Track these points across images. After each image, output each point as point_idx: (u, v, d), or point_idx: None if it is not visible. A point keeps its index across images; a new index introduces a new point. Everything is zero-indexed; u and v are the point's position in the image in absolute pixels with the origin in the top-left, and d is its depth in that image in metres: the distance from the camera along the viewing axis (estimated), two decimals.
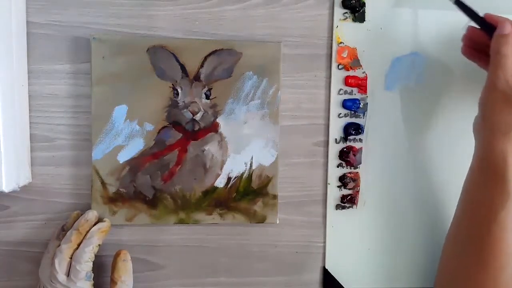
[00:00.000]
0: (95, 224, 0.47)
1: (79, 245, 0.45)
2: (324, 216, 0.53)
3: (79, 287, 0.43)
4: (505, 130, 0.44)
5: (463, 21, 0.54)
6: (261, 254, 0.53)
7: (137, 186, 0.49)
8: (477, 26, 0.47)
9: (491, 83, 0.45)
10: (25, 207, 0.49)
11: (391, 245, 0.55)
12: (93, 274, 0.45)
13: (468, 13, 0.47)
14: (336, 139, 0.53)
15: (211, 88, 0.50)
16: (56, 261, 0.44)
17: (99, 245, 0.45)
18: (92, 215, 0.47)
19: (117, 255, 0.47)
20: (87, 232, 0.46)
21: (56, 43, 0.48)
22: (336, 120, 0.53)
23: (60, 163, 0.49)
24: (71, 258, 0.44)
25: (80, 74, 0.49)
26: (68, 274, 0.44)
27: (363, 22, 0.52)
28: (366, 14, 0.52)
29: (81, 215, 0.47)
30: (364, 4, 0.52)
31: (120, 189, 0.49)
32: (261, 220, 0.51)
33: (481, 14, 0.46)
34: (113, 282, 0.46)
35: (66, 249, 0.44)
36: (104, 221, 0.47)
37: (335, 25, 0.52)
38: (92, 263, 0.44)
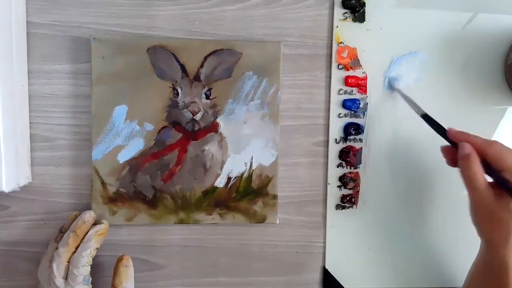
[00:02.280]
0: (93, 226, 0.46)
1: (77, 248, 0.44)
2: (324, 216, 0.53)
3: None
4: (502, 244, 0.44)
5: (463, 21, 0.54)
6: (261, 254, 0.53)
7: (137, 186, 0.49)
8: (445, 139, 0.47)
9: (473, 202, 0.45)
10: (25, 207, 0.49)
11: (391, 245, 0.55)
12: (91, 278, 0.44)
13: (435, 127, 0.47)
14: (336, 139, 0.53)
15: (211, 88, 0.50)
16: (54, 265, 0.43)
17: (97, 248, 0.45)
18: (89, 216, 0.46)
19: (119, 260, 0.46)
20: (85, 234, 0.45)
21: (56, 43, 0.48)
22: (336, 120, 0.53)
23: (60, 163, 0.49)
24: (68, 261, 0.44)
25: (80, 74, 0.49)
26: (66, 278, 0.43)
27: (363, 22, 0.52)
28: (366, 14, 0.52)
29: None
30: (364, 4, 0.52)
31: (120, 189, 0.49)
32: (261, 220, 0.51)
33: (446, 127, 0.47)
34: (113, 287, 0.45)
35: (64, 252, 0.44)
36: (102, 223, 0.46)
37: (335, 25, 0.52)
38: (90, 267, 0.44)
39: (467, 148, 0.44)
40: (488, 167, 0.44)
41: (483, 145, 0.44)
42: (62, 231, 0.46)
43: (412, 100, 0.50)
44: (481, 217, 0.45)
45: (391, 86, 0.53)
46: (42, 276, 0.45)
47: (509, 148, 0.44)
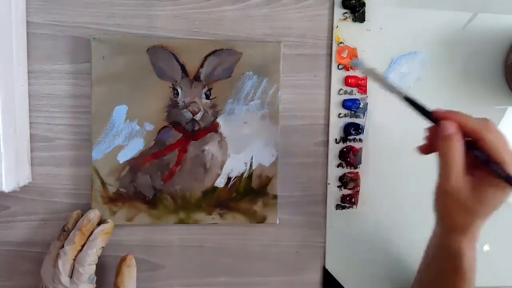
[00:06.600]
0: (98, 224, 0.46)
1: (82, 246, 0.45)
2: (324, 216, 0.53)
3: None
4: (461, 231, 0.42)
5: (463, 21, 0.54)
6: (261, 254, 0.53)
7: (137, 186, 0.49)
8: (431, 123, 0.41)
9: (441, 187, 0.40)
10: (25, 207, 0.49)
11: (391, 245, 0.55)
12: (95, 277, 0.44)
13: (419, 109, 0.41)
14: (336, 139, 0.53)
15: (211, 88, 0.50)
16: (60, 263, 0.44)
17: (102, 247, 0.45)
18: (94, 214, 0.47)
19: (122, 260, 0.46)
20: (91, 233, 0.45)
21: (56, 43, 0.48)
22: (336, 120, 0.53)
23: (60, 163, 0.49)
24: (74, 259, 0.44)
25: (80, 74, 0.49)
26: (71, 276, 0.44)
27: (363, 22, 0.52)
28: (366, 14, 0.52)
29: (82, 215, 0.47)
30: (364, 4, 0.52)
31: (120, 189, 0.49)
32: (261, 220, 0.51)
33: (431, 109, 0.41)
34: (116, 287, 0.45)
35: (70, 250, 0.44)
36: (107, 222, 0.47)
37: (335, 25, 0.52)
38: (95, 266, 0.44)
39: (450, 128, 0.38)
40: (477, 150, 0.39)
41: (478, 126, 0.39)
42: (65, 230, 0.46)
43: (388, 81, 0.42)
44: (449, 204, 0.41)
45: (357, 65, 0.48)
46: (46, 274, 0.45)
47: (503, 134, 0.40)
